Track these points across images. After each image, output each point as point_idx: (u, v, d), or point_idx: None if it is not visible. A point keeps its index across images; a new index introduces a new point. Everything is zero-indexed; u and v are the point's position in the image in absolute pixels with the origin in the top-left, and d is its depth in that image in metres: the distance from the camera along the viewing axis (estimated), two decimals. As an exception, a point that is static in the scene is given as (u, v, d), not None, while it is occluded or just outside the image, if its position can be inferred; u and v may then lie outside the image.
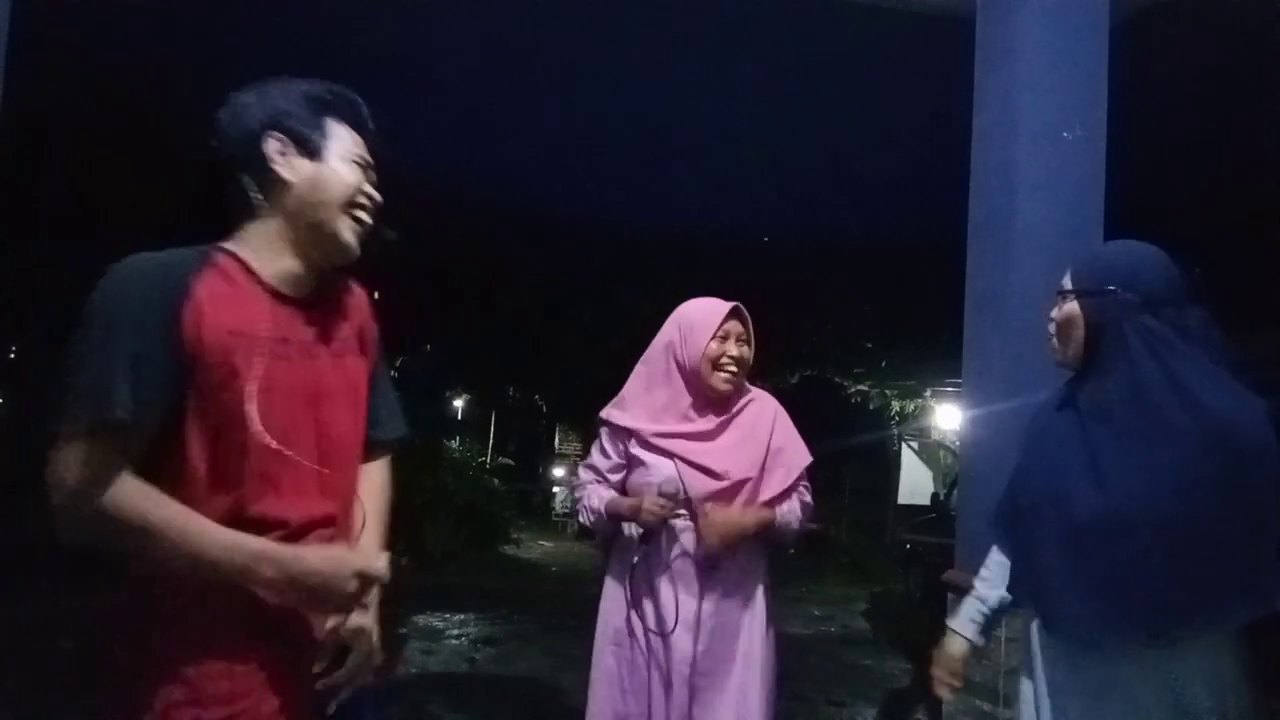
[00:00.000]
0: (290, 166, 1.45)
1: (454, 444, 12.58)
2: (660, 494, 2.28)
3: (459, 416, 20.61)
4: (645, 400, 2.48)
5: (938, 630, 2.18)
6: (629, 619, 2.37)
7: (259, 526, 1.34)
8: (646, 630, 2.33)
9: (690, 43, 4.53)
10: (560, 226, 8.07)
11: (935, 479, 14.85)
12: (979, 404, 3.22)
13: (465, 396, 21.21)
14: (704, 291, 2.57)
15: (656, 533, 2.31)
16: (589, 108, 5.50)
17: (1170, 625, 1.57)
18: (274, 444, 1.36)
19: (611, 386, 2.57)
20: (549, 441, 18.88)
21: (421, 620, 7.14)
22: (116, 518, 1.27)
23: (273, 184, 1.44)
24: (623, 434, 2.46)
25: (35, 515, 1.42)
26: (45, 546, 1.59)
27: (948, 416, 12.73)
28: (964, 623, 2.04)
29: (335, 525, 1.46)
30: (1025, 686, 1.85)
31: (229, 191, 1.45)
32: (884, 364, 12.64)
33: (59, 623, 5.09)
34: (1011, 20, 3.06)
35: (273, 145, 1.43)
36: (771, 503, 2.41)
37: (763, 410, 2.50)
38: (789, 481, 2.44)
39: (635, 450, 2.43)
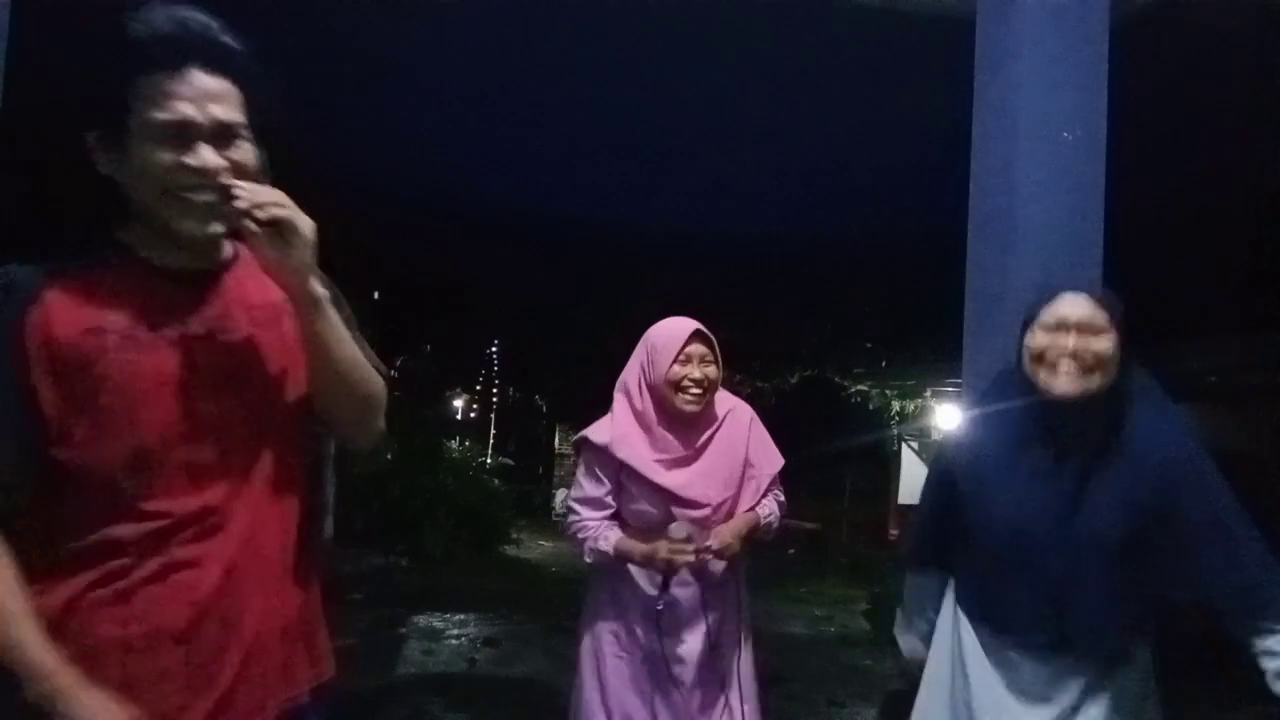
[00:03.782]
0: (108, 163, 1.26)
1: (454, 444, 12.61)
2: (671, 539, 2.33)
3: (459, 416, 20.64)
4: (626, 422, 2.49)
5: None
6: (648, 640, 2.42)
7: (139, 520, 1.22)
8: (662, 643, 2.39)
9: (688, 44, 4.54)
10: (560, 227, 8.07)
11: (935, 479, 14.80)
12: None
13: (465, 396, 21.23)
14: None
15: (671, 574, 2.37)
16: (588, 110, 5.51)
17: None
18: (147, 438, 1.23)
19: (611, 387, 2.59)
20: (549, 442, 18.88)
21: (421, 620, 7.14)
22: None
23: (108, 180, 1.27)
24: (609, 458, 2.46)
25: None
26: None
27: (948, 416, 12.72)
28: (916, 645, 2.15)
29: (217, 515, 1.27)
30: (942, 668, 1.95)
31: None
32: (884, 364, 12.64)
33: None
34: (1011, 21, 3.06)
35: (92, 143, 1.26)
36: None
37: (736, 425, 2.55)
38: (760, 493, 2.54)
39: (623, 478, 2.46)
